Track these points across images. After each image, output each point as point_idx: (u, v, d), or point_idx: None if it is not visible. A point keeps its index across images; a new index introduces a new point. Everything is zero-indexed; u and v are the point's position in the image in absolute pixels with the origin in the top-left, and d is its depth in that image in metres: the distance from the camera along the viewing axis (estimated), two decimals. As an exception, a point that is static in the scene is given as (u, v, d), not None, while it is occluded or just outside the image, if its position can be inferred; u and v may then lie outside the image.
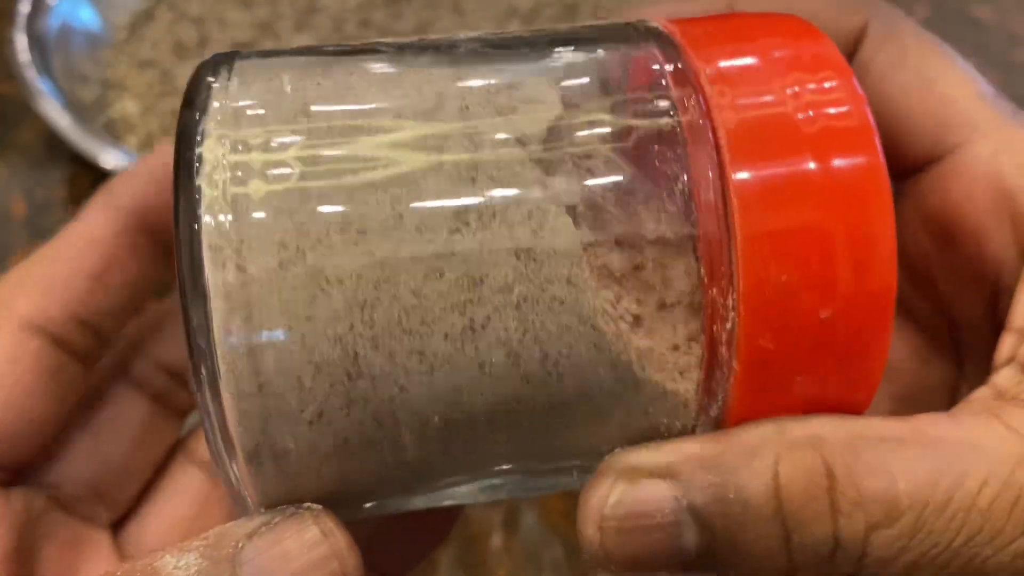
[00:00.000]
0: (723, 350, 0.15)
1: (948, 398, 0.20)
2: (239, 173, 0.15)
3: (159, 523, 0.22)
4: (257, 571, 0.14)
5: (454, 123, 0.16)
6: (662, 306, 0.15)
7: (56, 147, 0.47)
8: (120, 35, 0.54)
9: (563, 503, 0.36)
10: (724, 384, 0.15)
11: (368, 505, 0.18)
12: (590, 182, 0.16)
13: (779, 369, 0.15)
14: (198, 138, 0.16)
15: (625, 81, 0.17)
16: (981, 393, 0.16)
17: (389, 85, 0.17)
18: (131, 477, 0.22)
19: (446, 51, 0.18)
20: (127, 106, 0.49)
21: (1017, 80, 0.67)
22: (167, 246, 0.22)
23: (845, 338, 0.15)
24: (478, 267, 0.15)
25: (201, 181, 0.15)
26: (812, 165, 0.15)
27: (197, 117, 0.16)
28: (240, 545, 0.14)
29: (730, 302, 0.15)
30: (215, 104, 0.16)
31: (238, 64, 0.17)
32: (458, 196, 0.15)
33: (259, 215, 0.15)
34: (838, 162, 0.15)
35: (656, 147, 0.16)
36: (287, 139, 0.16)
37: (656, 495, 0.14)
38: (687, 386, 0.16)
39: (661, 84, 0.17)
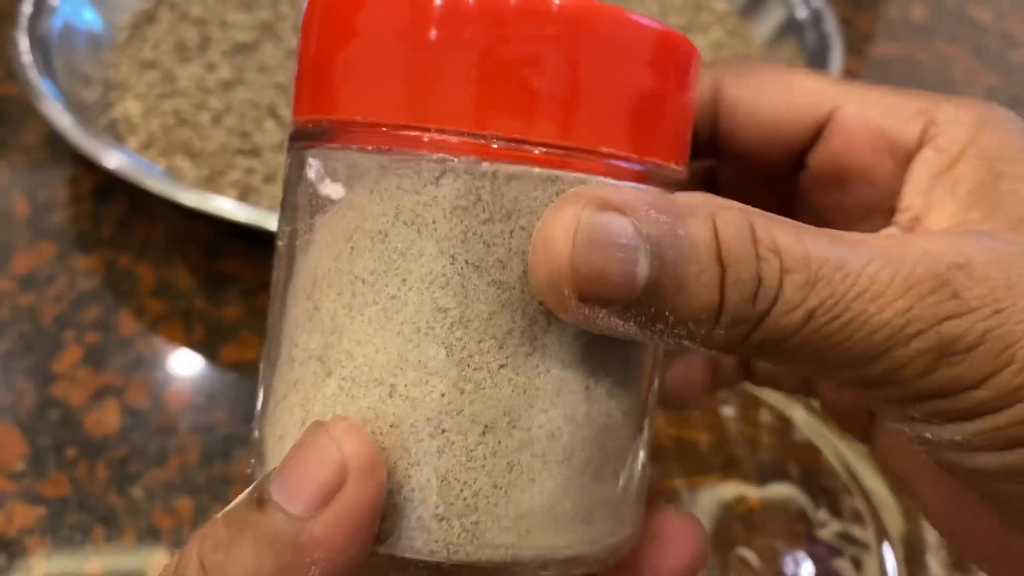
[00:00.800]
0: None
1: None
2: None
3: None
4: None
5: None
6: None
7: (58, 148, 0.47)
8: (122, 36, 0.54)
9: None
10: None
11: None
12: None
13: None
14: None
15: None
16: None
17: None
18: None
19: None
20: (129, 107, 0.49)
21: (1014, 81, 0.67)
22: None
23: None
24: None
25: None
26: None
27: None
28: None
29: None
30: None
31: None
32: None
33: None
34: None
35: None
36: None
37: (620, 222, 0.16)
38: None
39: None
